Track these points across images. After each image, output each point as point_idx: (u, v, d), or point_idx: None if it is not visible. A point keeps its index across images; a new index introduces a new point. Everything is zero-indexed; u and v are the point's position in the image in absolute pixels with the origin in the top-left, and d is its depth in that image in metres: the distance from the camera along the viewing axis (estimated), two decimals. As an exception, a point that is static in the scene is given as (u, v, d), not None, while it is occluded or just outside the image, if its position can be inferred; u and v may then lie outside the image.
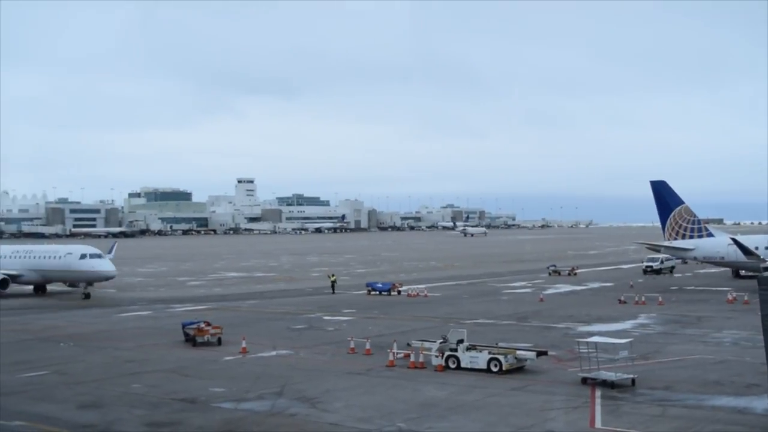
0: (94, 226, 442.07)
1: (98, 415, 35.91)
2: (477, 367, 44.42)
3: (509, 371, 43.64)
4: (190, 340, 55.94)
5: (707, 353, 50.02)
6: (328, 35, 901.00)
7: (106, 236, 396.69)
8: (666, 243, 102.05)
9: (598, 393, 38.53)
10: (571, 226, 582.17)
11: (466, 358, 45.05)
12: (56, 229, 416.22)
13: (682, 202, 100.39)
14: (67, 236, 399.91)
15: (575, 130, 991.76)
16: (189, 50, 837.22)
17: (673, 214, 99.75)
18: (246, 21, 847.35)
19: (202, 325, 56.53)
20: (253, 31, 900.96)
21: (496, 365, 43.94)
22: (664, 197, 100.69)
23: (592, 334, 52.54)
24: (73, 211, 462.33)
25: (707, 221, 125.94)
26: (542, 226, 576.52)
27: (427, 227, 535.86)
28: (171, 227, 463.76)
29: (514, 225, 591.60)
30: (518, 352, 45.46)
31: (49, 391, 41.32)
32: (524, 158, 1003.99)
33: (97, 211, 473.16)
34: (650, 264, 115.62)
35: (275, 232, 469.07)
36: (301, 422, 34.12)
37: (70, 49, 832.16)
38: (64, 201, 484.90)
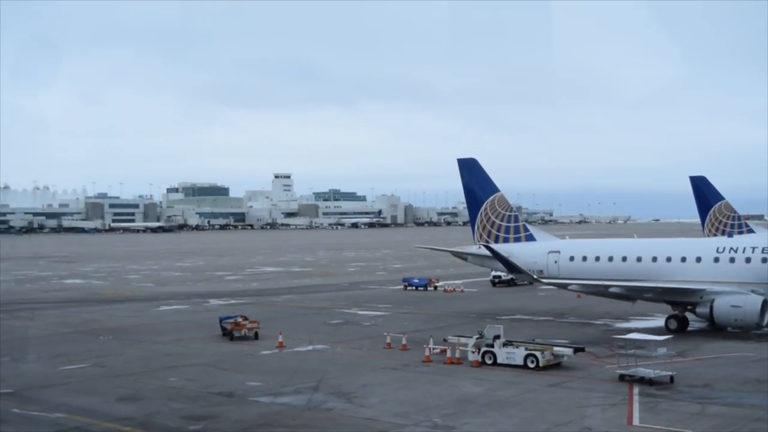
0: (133, 221, 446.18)
1: (137, 408, 36.26)
2: (513, 363, 44.26)
3: (546, 367, 43.44)
4: (228, 334, 56.26)
5: (747, 350, 49.47)
6: (367, 26, 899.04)
7: (144, 231, 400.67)
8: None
9: (636, 390, 38.22)
10: (609, 222, 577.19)
11: (502, 354, 44.91)
12: (96, 223, 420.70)
13: (722, 198, 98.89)
14: (107, 231, 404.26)
15: (612, 125, 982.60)
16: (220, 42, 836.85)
17: (713, 210, 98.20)
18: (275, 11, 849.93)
19: (240, 319, 56.84)
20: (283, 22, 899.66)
21: (533, 361, 43.75)
22: (704, 193, 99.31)
23: (630, 330, 52.17)
24: (112, 206, 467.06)
25: (748, 217, 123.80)
26: (580, 222, 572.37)
27: (464, 223, 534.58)
28: (208, 222, 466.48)
29: (551, 220, 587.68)
30: (555, 348, 45.21)
31: (89, 384, 41.78)
32: (561, 153, 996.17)
33: (136, 206, 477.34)
34: None
35: (312, 227, 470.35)
36: (338, 417, 34.21)
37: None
38: (103, 196, 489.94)
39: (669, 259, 59.90)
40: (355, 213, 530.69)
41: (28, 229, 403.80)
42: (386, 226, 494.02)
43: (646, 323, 61.38)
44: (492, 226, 71.68)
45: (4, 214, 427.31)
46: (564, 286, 63.37)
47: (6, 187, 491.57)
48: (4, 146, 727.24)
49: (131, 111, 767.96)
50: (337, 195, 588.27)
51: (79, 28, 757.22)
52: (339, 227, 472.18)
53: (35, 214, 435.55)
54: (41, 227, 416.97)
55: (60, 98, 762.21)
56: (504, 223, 71.70)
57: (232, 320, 56.80)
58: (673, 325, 57.84)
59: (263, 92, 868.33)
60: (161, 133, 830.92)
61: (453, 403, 36.23)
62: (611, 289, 58.92)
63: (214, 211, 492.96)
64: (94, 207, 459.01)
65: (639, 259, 61.42)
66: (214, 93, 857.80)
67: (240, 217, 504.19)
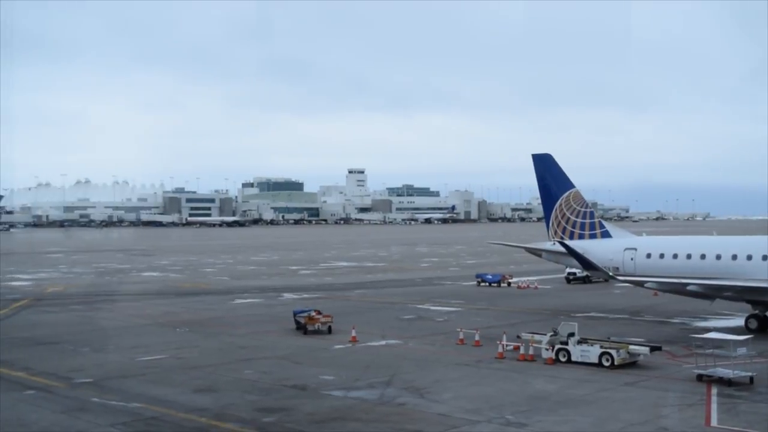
0: (209, 215, 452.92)
1: (212, 400, 36.75)
2: (588, 361, 43.74)
3: (621, 366, 42.82)
4: (301, 328, 56.67)
5: (831, 352, 48.07)
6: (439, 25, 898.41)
7: (220, 225, 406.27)
8: None
9: (714, 391, 37.45)
10: (687, 219, 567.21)
11: (576, 352, 44.42)
12: (173, 217, 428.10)
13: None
14: (184, 225, 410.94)
15: (691, 120, 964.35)
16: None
17: None
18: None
19: (313, 313, 57.19)
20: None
21: (607, 360, 43.18)
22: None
23: (708, 330, 51.12)
24: (189, 200, 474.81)
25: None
26: (657, 219, 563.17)
27: (538, 219, 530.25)
28: (283, 217, 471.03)
29: (627, 217, 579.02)
30: (631, 346, 44.55)
31: (166, 375, 42.50)
32: (637, 149, 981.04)
33: (212, 200, 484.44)
34: None
35: (385, 223, 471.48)
36: (410, 412, 34.20)
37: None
38: (180, 191, 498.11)
39: (750, 257, 58.32)
40: (428, 208, 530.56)
41: (108, 223, 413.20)
42: (459, 221, 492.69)
43: (726, 322, 60.07)
44: (567, 223, 70.90)
45: (85, 208, 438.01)
46: (640, 284, 62.37)
47: (87, 182, 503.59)
48: (86, 144, 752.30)
49: (206, 112, 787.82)
50: (410, 190, 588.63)
51: (147, 46, 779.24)
52: (412, 222, 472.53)
53: (115, 208, 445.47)
54: (120, 221, 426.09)
55: (138, 102, 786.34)
56: (579, 220, 70.74)
57: (305, 314, 57.19)
58: (754, 324, 56.44)
59: (334, 98, 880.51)
60: (238, 131, 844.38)
61: (526, 400, 35.96)
62: (689, 287, 57.72)
63: (288, 205, 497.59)
64: (172, 201, 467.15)
65: (718, 257, 59.98)
66: (291, 97, 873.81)
67: (314, 212, 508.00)
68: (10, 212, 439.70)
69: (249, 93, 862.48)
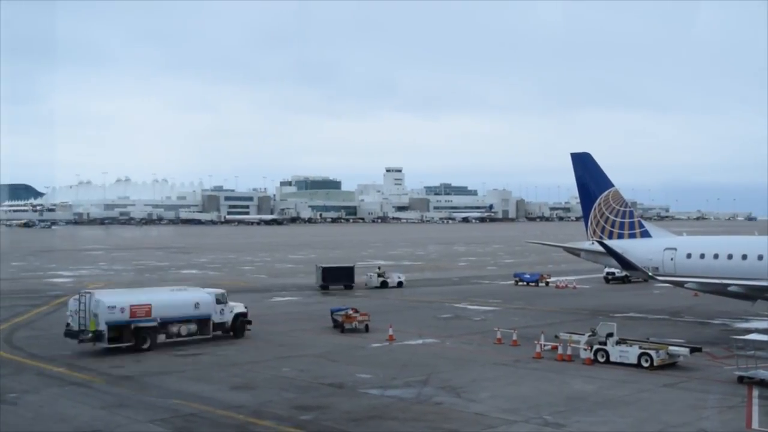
0: (247, 213, 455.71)
1: (250, 397, 36.94)
2: (627, 361, 43.38)
3: (661, 367, 42.43)
4: (338, 326, 56.81)
5: None
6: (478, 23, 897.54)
7: (258, 223, 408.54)
8: None
9: (755, 393, 37.00)
10: (729, 219, 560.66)
11: (615, 352, 44.08)
12: (212, 216, 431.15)
13: None
14: (222, 223, 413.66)
15: (732, 118, 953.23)
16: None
17: None
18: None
19: (350, 311, 57.30)
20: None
21: (646, 360, 42.81)
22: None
23: (749, 331, 50.58)
24: (227, 198, 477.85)
25: None
26: (697, 218, 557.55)
27: (577, 218, 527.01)
28: (320, 215, 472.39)
29: (667, 217, 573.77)
30: (671, 347, 44.14)
31: (204, 372, 42.77)
32: (679, 148, 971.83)
33: (250, 198, 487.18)
34: None
35: (423, 221, 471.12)
36: (447, 411, 34.14)
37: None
38: (219, 189, 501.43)
39: None
40: (466, 207, 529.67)
41: (148, 221, 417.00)
42: (497, 220, 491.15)
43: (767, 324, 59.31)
44: (606, 222, 70.38)
45: (125, 206, 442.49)
46: (680, 284, 61.69)
47: (127, 180, 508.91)
48: (126, 143, 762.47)
49: (238, 114, 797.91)
50: (448, 189, 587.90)
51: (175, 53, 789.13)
52: (450, 221, 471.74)
53: (154, 206, 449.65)
54: (160, 219, 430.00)
55: (172, 105, 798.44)
56: (618, 219, 70.21)
57: (343, 312, 57.33)
58: None
59: (363, 100, 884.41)
60: (272, 132, 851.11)
61: (564, 401, 35.75)
62: (730, 288, 56.97)
63: (326, 204, 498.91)
64: (210, 199, 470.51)
65: (760, 257, 59.14)
66: (320, 99, 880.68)
67: (351, 211, 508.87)
68: (52, 210, 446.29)
69: (278, 96, 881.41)
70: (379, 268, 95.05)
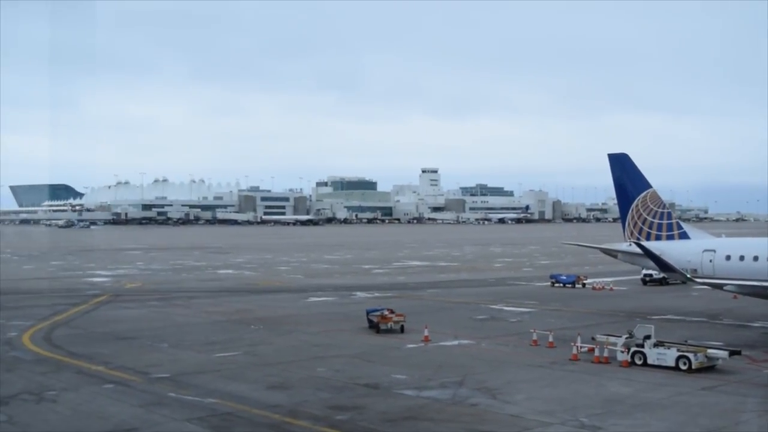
0: (283, 213, 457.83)
1: (285, 397, 37.06)
2: (664, 364, 42.97)
3: (699, 370, 41.99)
4: (374, 327, 56.80)
5: None
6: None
7: (294, 223, 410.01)
8: None
9: (796, 397, 36.53)
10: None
11: (653, 355, 43.70)
12: (248, 216, 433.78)
13: None
14: (258, 223, 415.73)
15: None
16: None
17: None
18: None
19: (386, 312, 57.25)
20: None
21: (684, 363, 42.37)
22: None
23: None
24: (264, 198, 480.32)
25: None
26: (737, 220, 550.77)
27: (614, 219, 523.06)
28: (356, 216, 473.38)
29: (706, 218, 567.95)
30: (709, 350, 43.63)
31: (240, 371, 42.99)
32: (717, 149, 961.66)
33: (287, 199, 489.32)
34: None
35: (458, 222, 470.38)
36: (482, 412, 34.03)
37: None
38: (255, 189, 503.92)
39: None
40: (502, 208, 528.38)
41: (185, 221, 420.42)
42: (533, 221, 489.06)
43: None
44: (643, 223, 69.81)
45: (162, 206, 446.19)
46: (719, 287, 61.02)
47: (165, 181, 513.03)
48: (162, 144, 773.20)
49: (269, 118, 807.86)
50: (484, 190, 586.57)
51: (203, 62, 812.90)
52: (486, 222, 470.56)
53: (191, 207, 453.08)
54: (196, 219, 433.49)
55: (203, 110, 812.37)
56: (656, 220, 69.59)
57: (378, 313, 57.30)
58: None
59: (391, 103, 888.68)
60: (309, 133, 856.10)
61: (601, 403, 35.50)
62: None
63: (361, 204, 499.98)
64: (247, 200, 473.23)
65: None
66: (356, 102, 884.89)
67: (387, 211, 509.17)
68: (90, 210, 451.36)
69: (304, 101, 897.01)
70: None
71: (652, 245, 64.95)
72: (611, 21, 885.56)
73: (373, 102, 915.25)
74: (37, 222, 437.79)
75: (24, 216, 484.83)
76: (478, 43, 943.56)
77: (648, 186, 70.48)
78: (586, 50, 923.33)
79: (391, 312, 57.39)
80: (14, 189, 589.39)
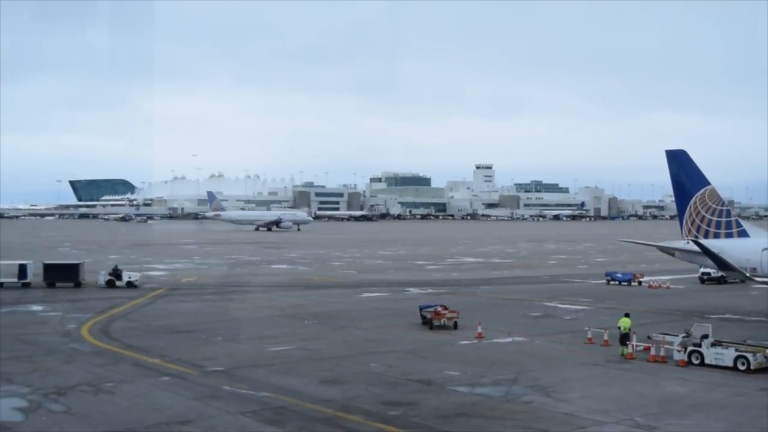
0: (337, 209, 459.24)
1: (338, 391, 37.20)
2: (722, 364, 42.31)
3: (758, 370, 41.27)
4: (427, 323, 56.74)
5: None
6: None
7: (348, 219, 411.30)
8: None
9: None
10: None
11: (710, 355, 43.05)
12: (302, 211, 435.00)
13: None
14: (312, 218, 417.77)
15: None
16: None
17: None
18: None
19: (439, 308, 57.14)
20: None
21: (743, 363, 41.68)
22: None
23: None
24: (318, 194, 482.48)
25: None
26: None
27: (671, 217, 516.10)
28: (410, 212, 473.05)
29: (766, 216, 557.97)
30: (769, 350, 42.92)
31: (294, 366, 43.24)
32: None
33: (340, 195, 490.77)
34: None
35: (512, 219, 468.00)
36: (536, 410, 33.84)
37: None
38: (309, 185, 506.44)
39: None
40: (556, 205, 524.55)
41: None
42: (589, 218, 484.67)
43: None
44: (701, 221, 68.80)
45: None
46: None
47: (220, 176, 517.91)
48: (217, 142, 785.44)
49: (317, 118, 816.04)
50: (538, 186, 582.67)
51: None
52: (540, 219, 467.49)
53: (246, 202, 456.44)
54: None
55: (253, 111, 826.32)
56: (714, 218, 68.60)
57: (432, 309, 57.23)
58: None
59: (431, 106, 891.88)
60: (359, 133, 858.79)
61: (656, 403, 35.08)
62: None
63: (415, 200, 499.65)
64: (301, 195, 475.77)
65: None
66: (402, 104, 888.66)
67: (441, 207, 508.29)
68: (148, 204, 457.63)
69: (350, 103, 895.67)
70: (116, 267, 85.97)
71: (711, 243, 63.98)
72: (651, 25, 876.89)
73: (415, 104, 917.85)
74: (95, 216, 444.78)
75: (83, 210, 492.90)
76: (510, 48, 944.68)
77: (706, 183, 69.46)
78: (614, 53, 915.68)
79: (445, 308, 57.29)
80: (74, 184, 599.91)
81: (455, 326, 55.93)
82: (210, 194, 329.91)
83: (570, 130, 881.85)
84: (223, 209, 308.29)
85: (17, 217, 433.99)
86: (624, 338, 46.55)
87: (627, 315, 48.09)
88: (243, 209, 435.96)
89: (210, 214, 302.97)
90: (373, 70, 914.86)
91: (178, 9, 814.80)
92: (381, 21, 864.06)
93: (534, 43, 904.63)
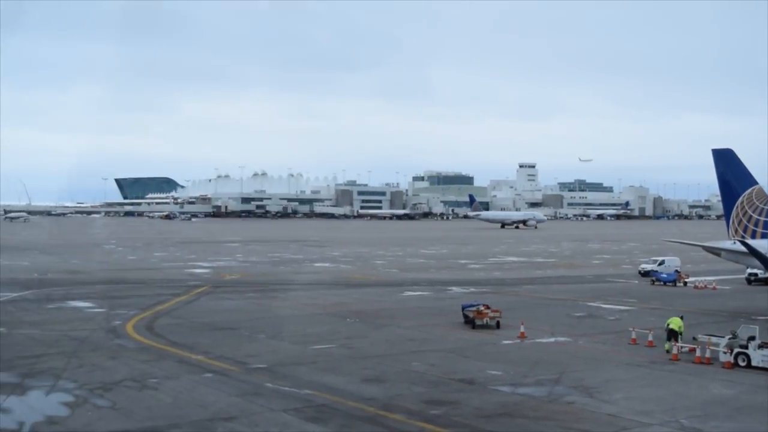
0: (379, 208, 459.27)
1: (380, 390, 37.24)
2: (769, 366, 41.75)
3: (806, 373, 40.66)
4: (469, 322, 56.58)
5: None
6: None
7: (390, 218, 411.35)
8: None
9: None
10: None
11: (757, 357, 42.44)
12: (345, 210, 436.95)
13: None
14: (355, 217, 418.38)
15: None
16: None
17: None
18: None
19: (482, 307, 56.96)
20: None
21: (791, 365, 41.08)
22: None
23: None
24: (360, 193, 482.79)
25: None
26: None
27: (717, 216, 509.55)
28: (453, 210, 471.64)
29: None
30: (818, 353, 42.21)
31: (336, 364, 43.36)
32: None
33: (383, 193, 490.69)
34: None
35: (556, 218, 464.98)
36: (579, 411, 33.61)
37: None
38: (352, 183, 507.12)
39: None
40: (600, 204, 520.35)
41: (283, 214, 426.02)
42: (634, 218, 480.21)
43: None
44: (749, 221, 67.86)
45: (261, 200, 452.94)
46: None
47: (264, 174, 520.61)
48: (262, 138, 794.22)
49: (357, 115, 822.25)
50: (582, 185, 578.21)
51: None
52: (584, 218, 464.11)
53: (289, 200, 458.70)
54: (294, 212, 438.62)
55: (289, 114, 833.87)
56: (762, 218, 67.64)
57: (474, 308, 57.07)
58: None
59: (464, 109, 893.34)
60: (399, 132, 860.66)
61: (701, 405, 34.68)
62: None
63: (458, 199, 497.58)
64: (344, 194, 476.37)
65: None
66: (438, 103, 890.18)
67: (484, 206, 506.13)
68: (192, 202, 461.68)
69: (383, 107, 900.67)
70: None
71: (758, 243, 63.10)
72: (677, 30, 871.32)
73: (449, 106, 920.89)
74: (140, 214, 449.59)
75: (128, 208, 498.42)
76: (538, 52, 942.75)
77: (754, 182, 68.50)
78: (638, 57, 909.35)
79: (487, 307, 57.10)
80: (119, 182, 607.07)
81: (498, 326, 55.72)
82: (471, 197, 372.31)
83: (607, 132, 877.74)
84: (481, 210, 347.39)
85: (64, 214, 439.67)
86: (671, 334, 46.21)
87: (681, 317, 47.72)
88: (285, 208, 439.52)
89: (471, 214, 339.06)
90: (402, 74, 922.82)
91: (218, 21, 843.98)
92: (412, 24, 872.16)
93: (564, 46, 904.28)
